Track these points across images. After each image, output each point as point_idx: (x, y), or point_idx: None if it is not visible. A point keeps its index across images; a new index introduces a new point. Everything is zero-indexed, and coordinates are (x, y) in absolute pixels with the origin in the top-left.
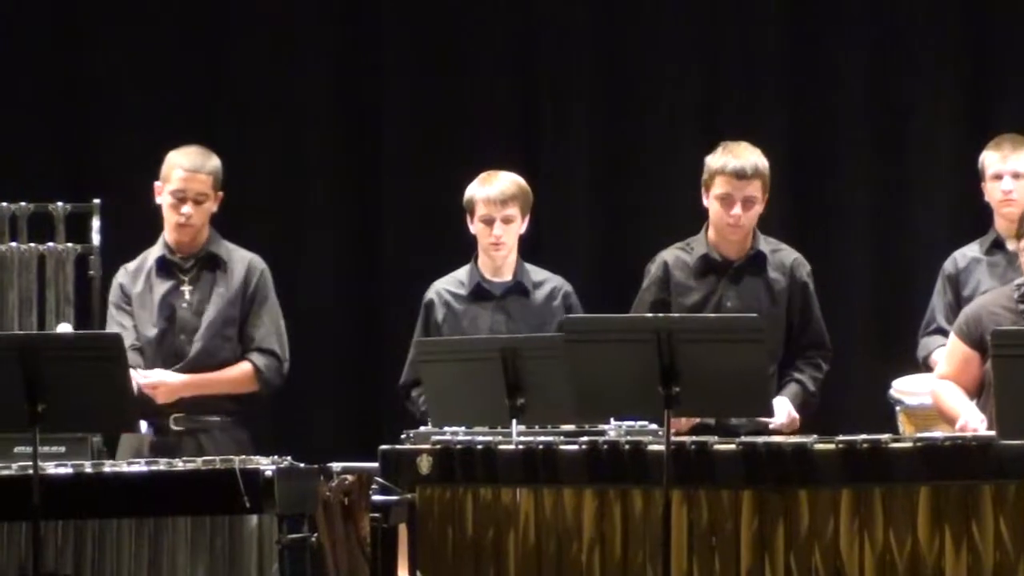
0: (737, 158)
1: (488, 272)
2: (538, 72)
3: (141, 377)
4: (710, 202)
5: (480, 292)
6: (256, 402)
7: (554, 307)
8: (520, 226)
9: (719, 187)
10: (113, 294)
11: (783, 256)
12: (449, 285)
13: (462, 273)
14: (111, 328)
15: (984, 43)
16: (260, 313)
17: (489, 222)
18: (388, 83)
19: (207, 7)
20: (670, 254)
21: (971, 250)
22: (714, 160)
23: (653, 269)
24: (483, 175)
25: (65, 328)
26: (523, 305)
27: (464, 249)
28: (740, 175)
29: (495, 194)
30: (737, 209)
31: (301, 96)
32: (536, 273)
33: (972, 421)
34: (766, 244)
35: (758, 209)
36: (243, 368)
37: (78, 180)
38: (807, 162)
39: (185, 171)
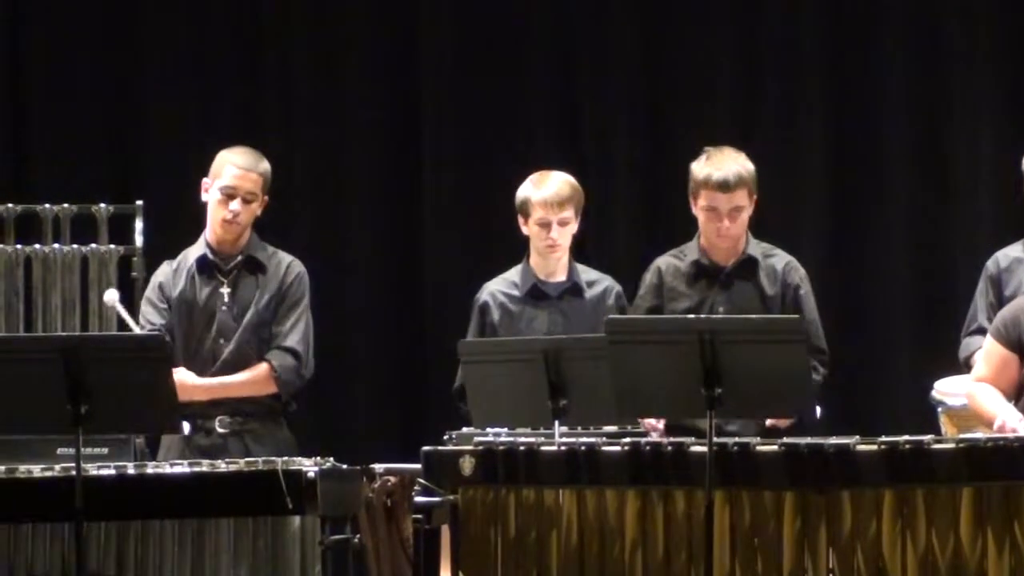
0: (720, 169)
1: (541, 273)
2: (578, 72)
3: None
4: (698, 211)
5: (536, 293)
6: (299, 403)
7: (607, 307)
8: (574, 227)
9: (704, 200)
10: (151, 290)
11: (775, 261)
12: (502, 287)
13: (514, 274)
14: (141, 321)
15: None
16: (288, 313)
17: (546, 225)
18: (428, 83)
19: (253, 11)
20: (664, 261)
21: (1014, 250)
22: (698, 171)
23: (649, 276)
24: (536, 176)
25: (112, 295)
26: (578, 305)
27: (509, 249)
28: (724, 187)
29: (551, 197)
30: (725, 221)
31: (345, 99)
32: (587, 273)
33: (1011, 421)
34: (758, 248)
35: (746, 216)
36: (259, 369)
37: (121, 182)
38: (847, 162)
39: (238, 168)
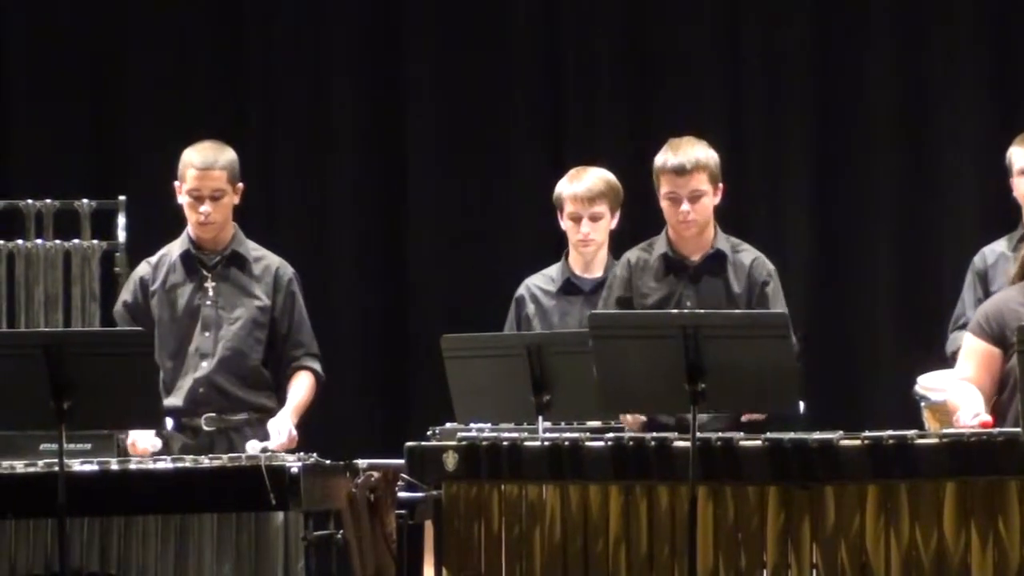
0: (677, 155)
1: (579, 268)
2: (563, 68)
3: (279, 438)
4: (662, 201)
5: (569, 288)
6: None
7: None
8: (610, 222)
9: (664, 186)
10: (128, 290)
11: (743, 257)
12: (540, 281)
13: (554, 269)
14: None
15: (1011, 37)
16: (301, 320)
17: (577, 219)
18: (413, 81)
19: (235, 7)
20: (633, 254)
21: (999, 246)
22: (657, 159)
23: (618, 270)
24: (572, 171)
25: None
26: None
27: (492, 246)
28: (680, 171)
29: (582, 191)
30: (685, 205)
31: (328, 95)
32: None
33: (964, 416)
34: (727, 243)
35: (708, 202)
36: (310, 380)
37: (103, 177)
38: (831, 159)
39: (197, 169)
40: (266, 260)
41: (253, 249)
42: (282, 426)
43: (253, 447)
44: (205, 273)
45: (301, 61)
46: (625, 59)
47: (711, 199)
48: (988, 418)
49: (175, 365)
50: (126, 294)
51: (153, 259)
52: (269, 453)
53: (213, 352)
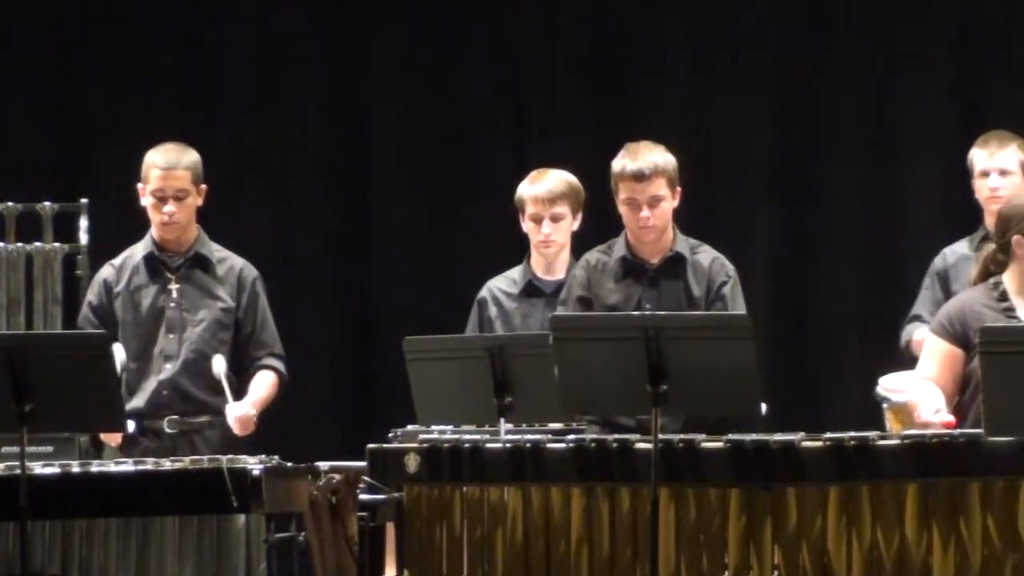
0: (635, 160)
1: (540, 270)
2: (526, 71)
3: (238, 411)
4: (620, 206)
5: (531, 290)
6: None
7: None
8: (571, 224)
9: (623, 192)
10: (93, 292)
11: (701, 258)
12: (502, 283)
13: (516, 272)
14: (83, 326)
15: (974, 37)
16: (265, 321)
17: (538, 220)
18: (377, 83)
19: (198, 8)
20: (592, 255)
21: (960, 247)
22: (615, 165)
23: (577, 271)
24: (533, 173)
25: (220, 364)
26: None
27: (456, 247)
28: (639, 177)
29: (543, 192)
30: (644, 211)
31: (291, 97)
32: None
33: (924, 413)
34: (685, 245)
35: (667, 207)
36: (272, 378)
37: (66, 180)
38: (795, 159)
39: (161, 170)
40: (230, 261)
41: (216, 251)
42: (241, 406)
43: (218, 364)
44: (169, 275)
45: (264, 62)
46: (588, 60)
47: (670, 203)
48: (950, 417)
49: (139, 367)
50: (91, 295)
51: (117, 261)
52: (231, 456)
53: (177, 354)
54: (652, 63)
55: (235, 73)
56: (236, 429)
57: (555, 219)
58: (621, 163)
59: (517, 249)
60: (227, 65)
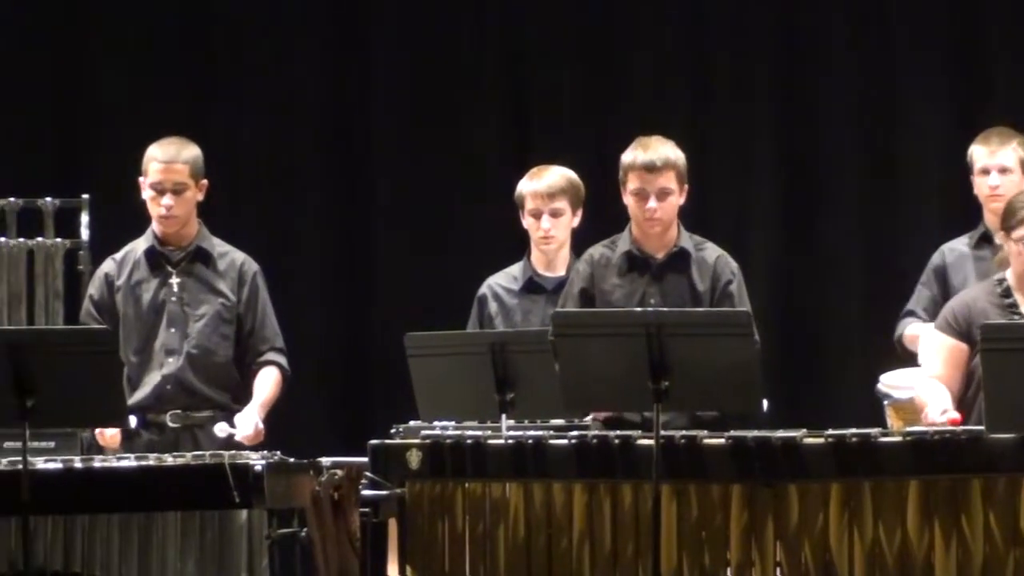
0: (647, 152)
1: (541, 267)
2: (527, 67)
3: (246, 429)
4: (627, 198)
5: (532, 286)
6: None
7: None
8: (571, 220)
9: (632, 182)
10: (94, 286)
11: (706, 255)
12: (502, 280)
13: (516, 268)
14: (84, 320)
15: (975, 34)
16: (266, 315)
17: (538, 216)
18: (378, 79)
19: (200, 5)
20: (596, 250)
21: (960, 244)
22: (626, 156)
23: (581, 265)
24: (533, 169)
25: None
26: None
27: (457, 243)
28: (650, 168)
29: (542, 188)
30: (652, 202)
31: (292, 92)
32: None
33: (932, 413)
34: (690, 241)
35: (675, 201)
36: (276, 374)
37: (67, 175)
38: (796, 155)
39: (161, 163)
40: (231, 256)
41: (218, 245)
42: (249, 419)
43: (221, 429)
44: (170, 269)
45: (266, 59)
46: (590, 60)
47: (677, 199)
48: (956, 415)
49: (140, 361)
50: (92, 290)
51: (118, 256)
52: (233, 452)
53: (180, 349)
54: (652, 62)
55: (237, 70)
56: (246, 443)
57: (554, 215)
58: (632, 154)
59: (518, 246)
60: (229, 62)
